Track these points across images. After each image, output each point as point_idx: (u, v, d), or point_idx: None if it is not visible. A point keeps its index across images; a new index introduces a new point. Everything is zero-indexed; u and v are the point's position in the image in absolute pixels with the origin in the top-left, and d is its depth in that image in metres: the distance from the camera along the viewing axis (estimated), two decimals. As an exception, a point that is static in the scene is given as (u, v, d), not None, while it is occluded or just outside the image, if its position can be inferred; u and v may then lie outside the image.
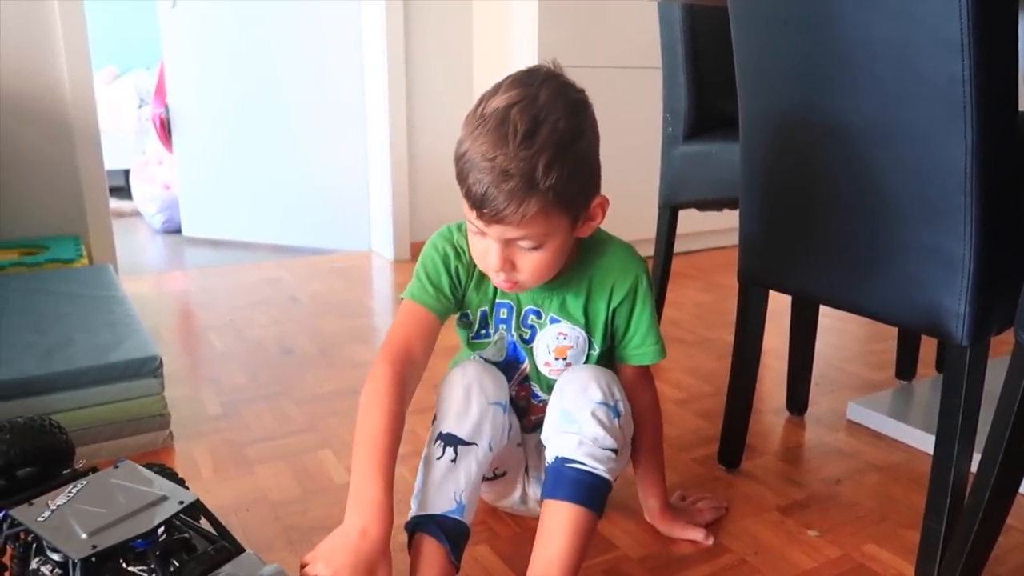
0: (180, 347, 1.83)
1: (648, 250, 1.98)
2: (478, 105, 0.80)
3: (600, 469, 0.86)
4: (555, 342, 0.96)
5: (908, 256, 0.92)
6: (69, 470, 0.91)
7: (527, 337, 0.97)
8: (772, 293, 1.16)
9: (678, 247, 1.91)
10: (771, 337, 1.23)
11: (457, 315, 0.98)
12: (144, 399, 1.25)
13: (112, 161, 2.57)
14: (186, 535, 0.80)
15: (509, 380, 0.97)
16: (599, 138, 0.86)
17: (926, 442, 1.27)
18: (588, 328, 0.96)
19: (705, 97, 1.72)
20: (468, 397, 0.90)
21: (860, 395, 1.51)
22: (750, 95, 1.10)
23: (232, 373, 1.63)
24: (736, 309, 1.20)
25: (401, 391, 0.86)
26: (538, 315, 0.95)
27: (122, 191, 3.74)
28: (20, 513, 0.76)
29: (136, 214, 3.53)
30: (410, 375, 0.88)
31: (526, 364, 0.98)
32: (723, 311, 2.10)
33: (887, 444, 1.33)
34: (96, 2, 2.21)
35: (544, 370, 0.97)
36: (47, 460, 0.91)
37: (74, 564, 0.70)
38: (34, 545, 0.76)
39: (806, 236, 1.05)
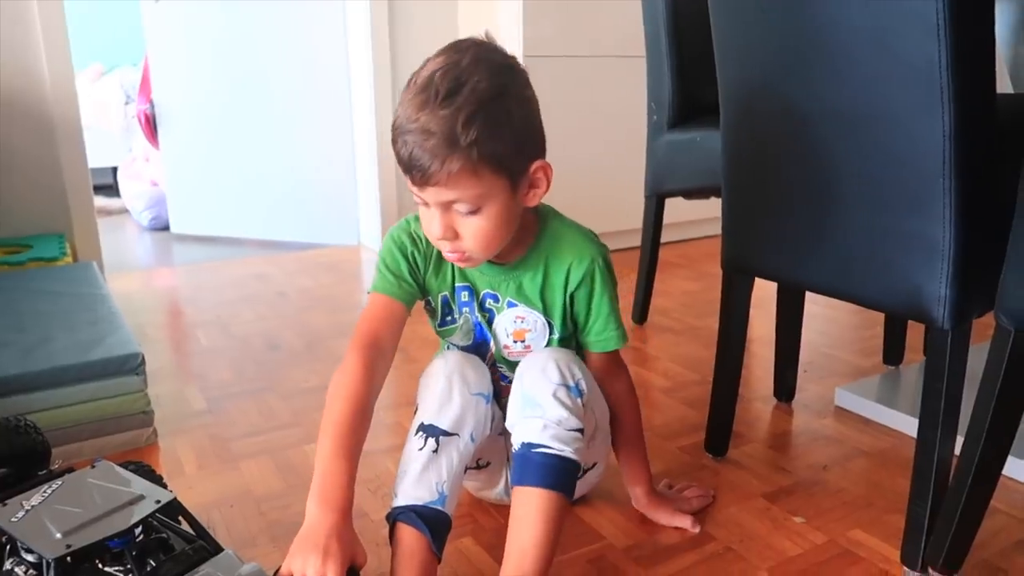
0: (166, 344, 1.82)
1: (635, 239, 1.98)
2: (411, 78, 0.82)
3: (567, 451, 0.85)
4: (513, 325, 0.96)
5: (889, 240, 0.92)
6: (45, 471, 0.90)
7: (488, 319, 0.97)
8: (759, 280, 1.15)
9: (667, 236, 1.91)
10: (758, 324, 1.22)
11: (424, 304, 0.98)
12: (126, 396, 1.24)
13: (99, 158, 2.56)
14: (163, 535, 0.79)
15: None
16: (535, 103, 0.86)
17: (914, 427, 1.26)
18: (546, 312, 0.95)
19: (689, 85, 1.71)
20: (450, 387, 0.90)
21: (848, 381, 1.51)
22: (730, 80, 1.09)
23: (218, 369, 1.62)
24: (720, 296, 1.19)
25: (369, 378, 0.86)
26: (495, 299, 0.95)
27: (110, 189, 3.71)
28: (-7, 514, 0.75)
29: (124, 211, 3.51)
30: (378, 363, 0.88)
31: (493, 345, 0.98)
32: (711, 299, 2.09)
33: (874, 430, 1.33)
34: (78, -2, 2.20)
35: (504, 352, 0.97)
36: (22, 461, 0.90)
37: (48, 564, 0.69)
38: (8, 546, 0.75)
39: (787, 221, 1.04)
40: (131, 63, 4.01)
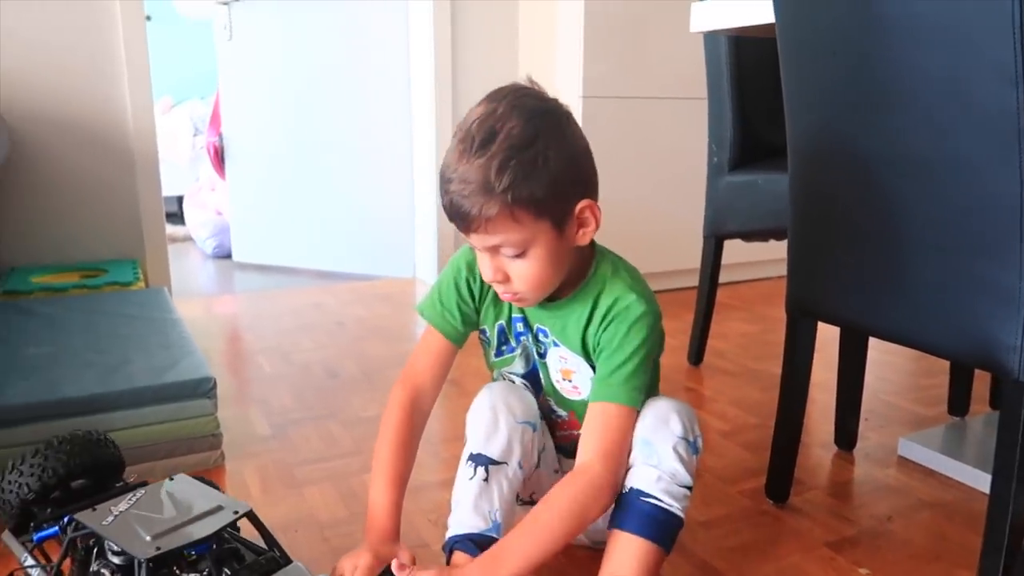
0: (229, 369, 1.87)
1: (692, 279, 1.98)
2: (458, 126, 0.85)
3: (675, 507, 0.86)
4: (560, 364, 0.96)
5: (962, 289, 0.91)
6: (121, 483, 0.95)
7: (541, 352, 0.98)
8: (820, 324, 1.15)
9: (723, 277, 1.90)
10: (818, 369, 1.21)
11: (479, 335, 1.00)
12: (198, 419, 1.28)
13: (166, 187, 2.66)
14: (235, 545, 0.82)
15: (537, 393, 0.98)
16: (578, 143, 0.85)
17: (980, 480, 1.24)
18: (587, 357, 0.93)
19: (750, 127, 1.72)
20: (495, 417, 0.91)
21: (910, 431, 1.47)
22: (799, 125, 1.10)
23: (280, 395, 1.66)
24: (784, 340, 1.19)
25: (410, 416, 0.96)
26: (545, 334, 0.96)
27: (175, 217, 3.85)
28: (85, 517, 0.79)
29: (189, 239, 3.63)
30: (420, 400, 0.98)
31: (543, 377, 0.99)
32: (769, 342, 2.08)
33: (940, 481, 1.29)
34: (154, 35, 2.30)
35: (556, 387, 0.98)
36: (102, 472, 0.95)
37: (139, 564, 0.73)
38: (95, 548, 0.79)
39: (855, 266, 1.04)
40: (199, 96, 4.18)
